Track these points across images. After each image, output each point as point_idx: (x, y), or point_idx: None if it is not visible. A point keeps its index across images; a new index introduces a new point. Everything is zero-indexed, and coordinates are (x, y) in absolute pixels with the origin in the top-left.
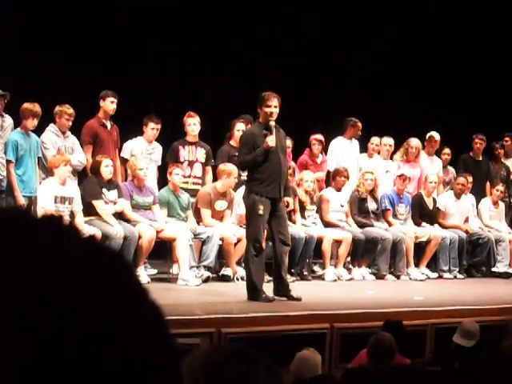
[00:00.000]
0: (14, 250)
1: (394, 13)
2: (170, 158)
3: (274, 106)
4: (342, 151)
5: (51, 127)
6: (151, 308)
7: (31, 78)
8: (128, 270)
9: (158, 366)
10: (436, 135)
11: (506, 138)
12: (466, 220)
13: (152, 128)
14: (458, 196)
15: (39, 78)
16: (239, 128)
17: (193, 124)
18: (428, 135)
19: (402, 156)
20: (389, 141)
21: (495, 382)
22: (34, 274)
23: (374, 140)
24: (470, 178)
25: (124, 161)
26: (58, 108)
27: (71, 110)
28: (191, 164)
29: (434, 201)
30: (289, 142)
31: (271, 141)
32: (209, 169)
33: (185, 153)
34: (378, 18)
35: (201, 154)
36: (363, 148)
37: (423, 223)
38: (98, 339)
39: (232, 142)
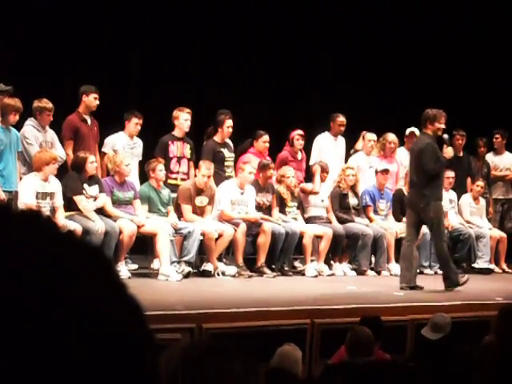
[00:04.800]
0: None
1: (376, 9)
2: (159, 153)
3: (444, 123)
4: (326, 147)
5: (31, 121)
6: (129, 302)
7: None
8: (106, 263)
9: (136, 360)
10: (417, 131)
11: (497, 136)
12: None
13: (135, 123)
14: None
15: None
16: (229, 125)
17: (188, 119)
18: (408, 131)
19: (379, 151)
20: (372, 137)
21: (480, 377)
22: (9, 267)
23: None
24: (453, 174)
25: (103, 156)
26: (37, 104)
27: (51, 105)
28: (179, 160)
29: None
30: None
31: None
32: (192, 164)
33: (174, 148)
34: (358, 15)
35: (187, 149)
36: (346, 144)
37: (404, 219)
38: (73, 332)
39: (216, 138)
